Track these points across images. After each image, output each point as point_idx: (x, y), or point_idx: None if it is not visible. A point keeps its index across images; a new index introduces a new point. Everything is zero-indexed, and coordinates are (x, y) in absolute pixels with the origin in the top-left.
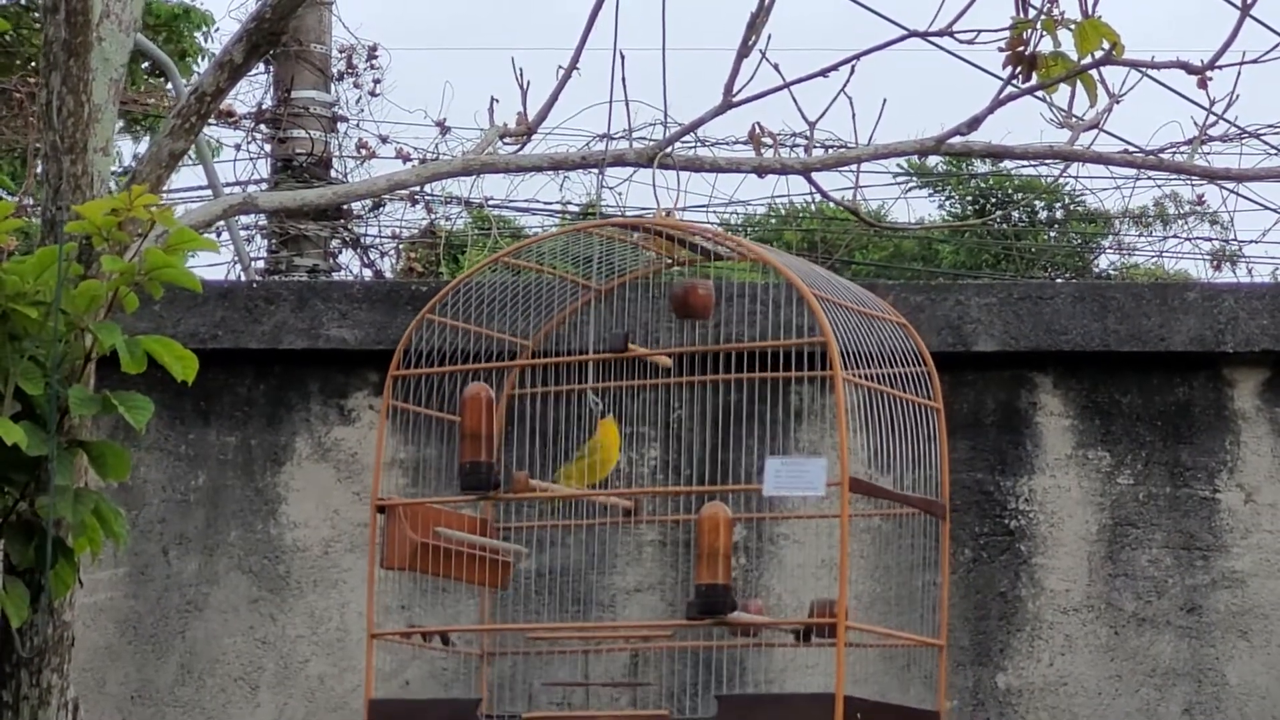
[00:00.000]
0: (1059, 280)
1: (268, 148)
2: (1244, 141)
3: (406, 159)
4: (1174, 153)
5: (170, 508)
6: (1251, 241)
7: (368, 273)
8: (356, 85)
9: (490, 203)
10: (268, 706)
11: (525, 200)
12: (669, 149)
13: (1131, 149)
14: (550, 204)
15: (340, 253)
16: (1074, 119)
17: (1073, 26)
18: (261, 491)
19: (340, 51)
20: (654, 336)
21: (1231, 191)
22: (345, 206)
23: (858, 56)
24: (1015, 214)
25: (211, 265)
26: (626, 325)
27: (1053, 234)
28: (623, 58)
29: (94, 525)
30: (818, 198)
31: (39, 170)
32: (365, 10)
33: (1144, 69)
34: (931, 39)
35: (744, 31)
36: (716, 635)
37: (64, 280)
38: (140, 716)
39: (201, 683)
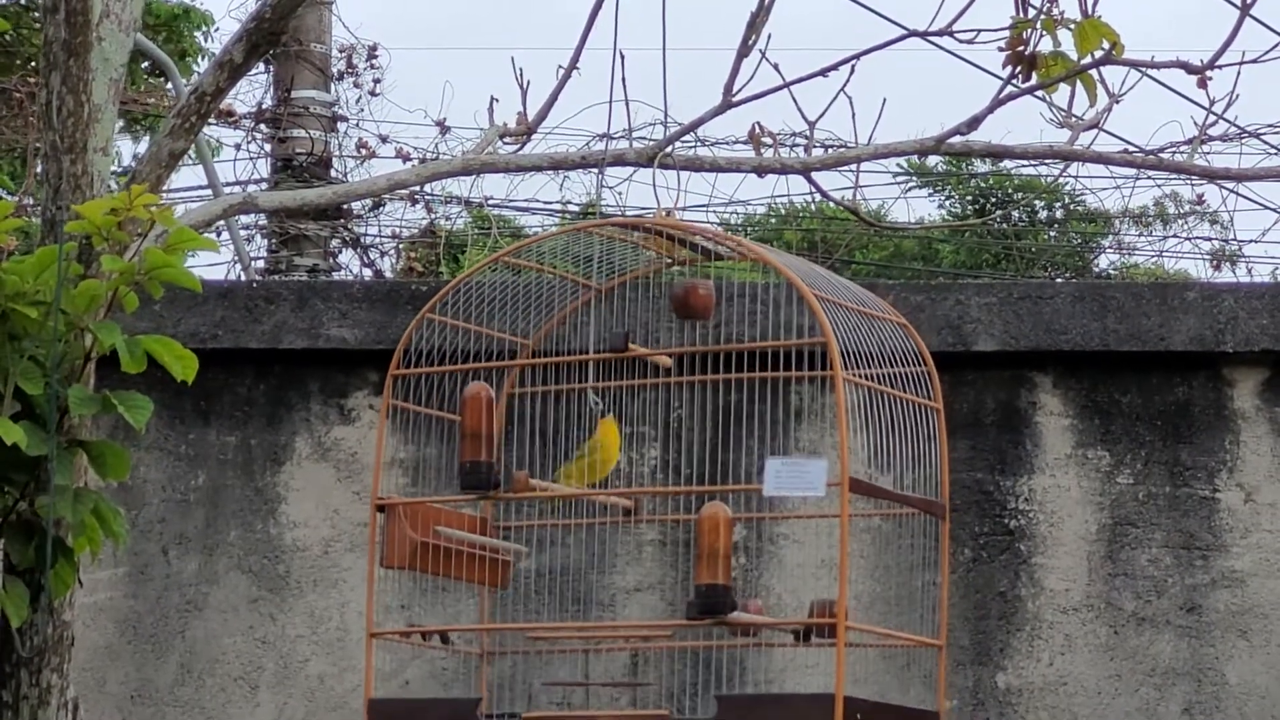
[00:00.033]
0: (1059, 280)
1: (268, 147)
2: (1244, 141)
3: (406, 159)
4: (1174, 152)
5: (170, 507)
6: (1251, 241)
7: (368, 272)
8: (356, 85)
9: (490, 202)
10: (267, 706)
11: (525, 200)
12: (669, 149)
13: (1131, 149)
14: (550, 204)
15: (340, 252)
16: (1074, 119)
17: (1072, 26)
18: (261, 491)
19: (340, 51)
20: (654, 336)
21: (1231, 191)
22: (345, 206)
23: (858, 56)
24: (1015, 214)
25: (211, 265)
26: (627, 325)
27: (1053, 234)
28: (623, 58)
29: (94, 525)
30: (818, 197)
31: (39, 170)
32: (365, 10)
33: (1144, 69)
34: (931, 39)
35: (744, 31)
36: (716, 635)
37: (64, 280)
38: (140, 716)
39: (201, 682)
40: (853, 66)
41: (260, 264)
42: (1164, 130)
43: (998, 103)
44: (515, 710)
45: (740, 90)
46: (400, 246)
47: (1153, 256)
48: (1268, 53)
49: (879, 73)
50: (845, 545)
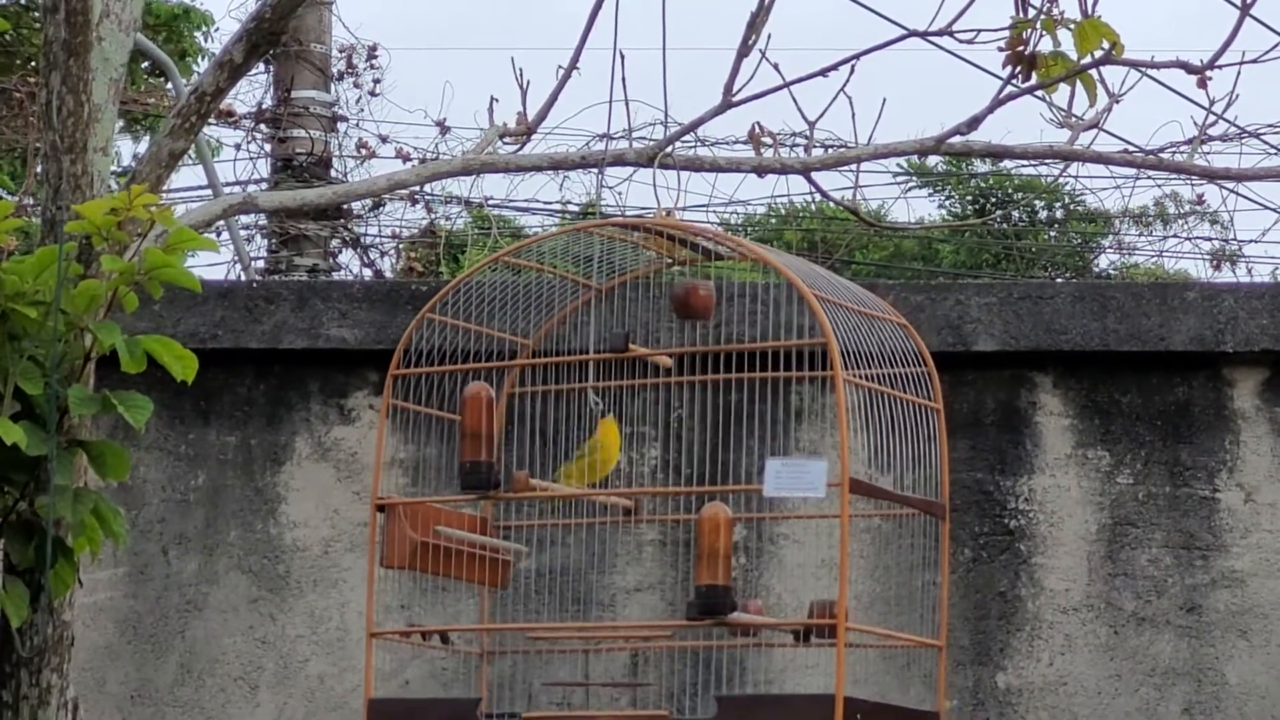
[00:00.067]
0: (1059, 280)
1: (268, 147)
2: (1244, 141)
3: (406, 159)
4: (1174, 152)
5: (170, 507)
6: (1251, 241)
7: (368, 272)
8: (356, 85)
9: (490, 202)
10: (267, 706)
11: (525, 200)
12: (669, 149)
13: (1131, 149)
14: (550, 204)
15: (340, 252)
16: (1074, 119)
17: (1072, 26)
18: (261, 491)
19: (340, 51)
20: (654, 336)
21: (1231, 191)
22: (345, 206)
23: (858, 56)
24: (1015, 214)
25: (211, 265)
26: (627, 325)
27: (1053, 234)
28: (623, 58)
29: (93, 525)
30: (818, 197)
31: (39, 170)
32: (365, 10)
33: (1144, 69)
34: (931, 39)
35: (744, 31)
36: (716, 635)
37: (64, 280)
38: (140, 716)
39: (201, 682)
40: (853, 66)
41: (260, 264)
42: (1164, 130)
43: (998, 103)
44: (515, 710)
45: (740, 90)
46: (400, 246)
47: (1153, 256)
48: (1268, 53)
49: (879, 73)
50: (845, 546)
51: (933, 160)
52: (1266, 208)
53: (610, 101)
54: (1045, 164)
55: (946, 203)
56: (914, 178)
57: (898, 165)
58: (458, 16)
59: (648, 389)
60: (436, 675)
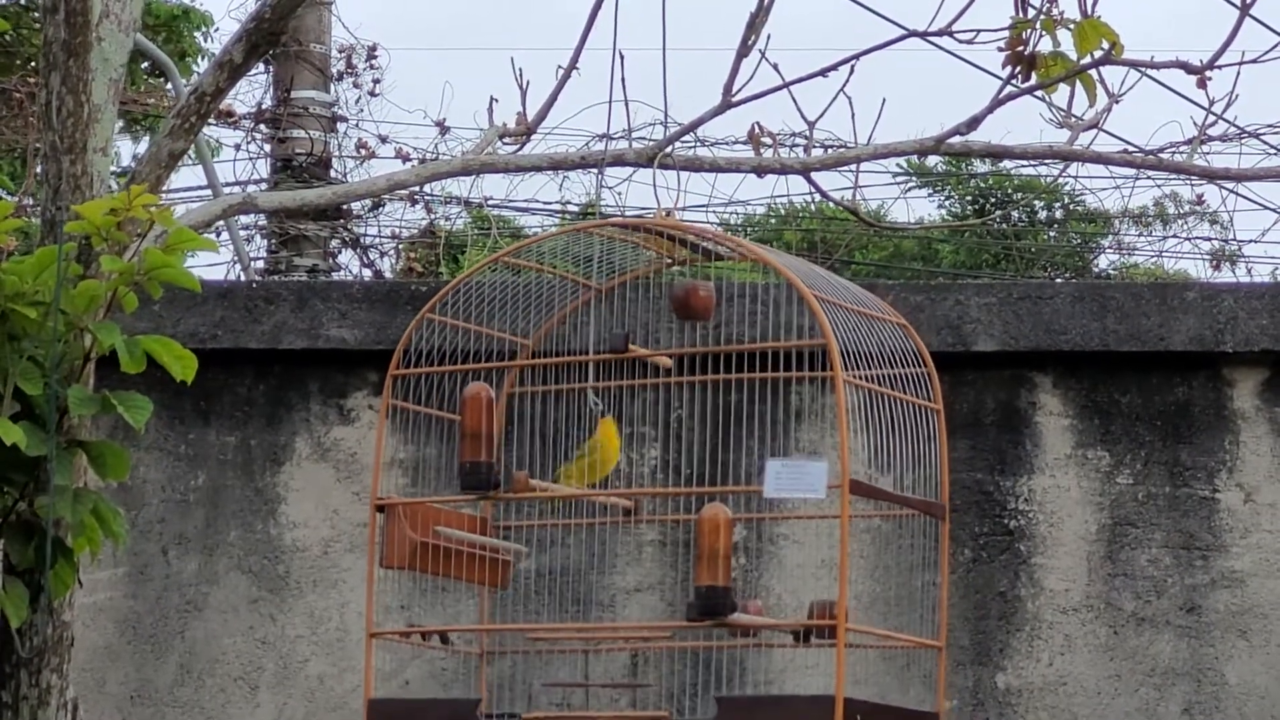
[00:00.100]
0: (1059, 280)
1: (267, 148)
2: (1244, 141)
3: (406, 159)
4: (1174, 153)
5: (170, 508)
6: (1251, 241)
7: (368, 273)
8: (356, 85)
9: (490, 203)
10: (267, 706)
11: (525, 200)
12: (669, 149)
13: (1131, 149)
14: (550, 204)
15: (340, 253)
16: (1073, 119)
17: (1072, 26)
18: (261, 491)
19: (340, 51)
20: (654, 337)
21: (1231, 191)
22: (345, 206)
23: (857, 56)
24: (1015, 214)
25: (211, 265)
26: (627, 325)
27: (1053, 234)
28: (622, 58)
29: (93, 525)
30: (817, 198)
31: (39, 170)
32: (365, 10)
33: (1143, 69)
34: (931, 39)
35: (744, 31)
36: (716, 636)
37: (63, 280)
38: (140, 716)
39: (201, 683)
40: (852, 66)
41: (260, 264)
42: (1164, 130)
43: (997, 103)
44: (515, 711)
45: (740, 90)
46: (400, 247)
47: (1153, 256)
48: (1268, 53)
49: (879, 73)
50: (845, 546)
51: (932, 160)
52: (1266, 208)
53: (610, 101)
54: (1045, 164)
55: (946, 203)
56: (914, 178)
57: (897, 165)
58: (458, 16)
59: (648, 389)
60: (436, 675)
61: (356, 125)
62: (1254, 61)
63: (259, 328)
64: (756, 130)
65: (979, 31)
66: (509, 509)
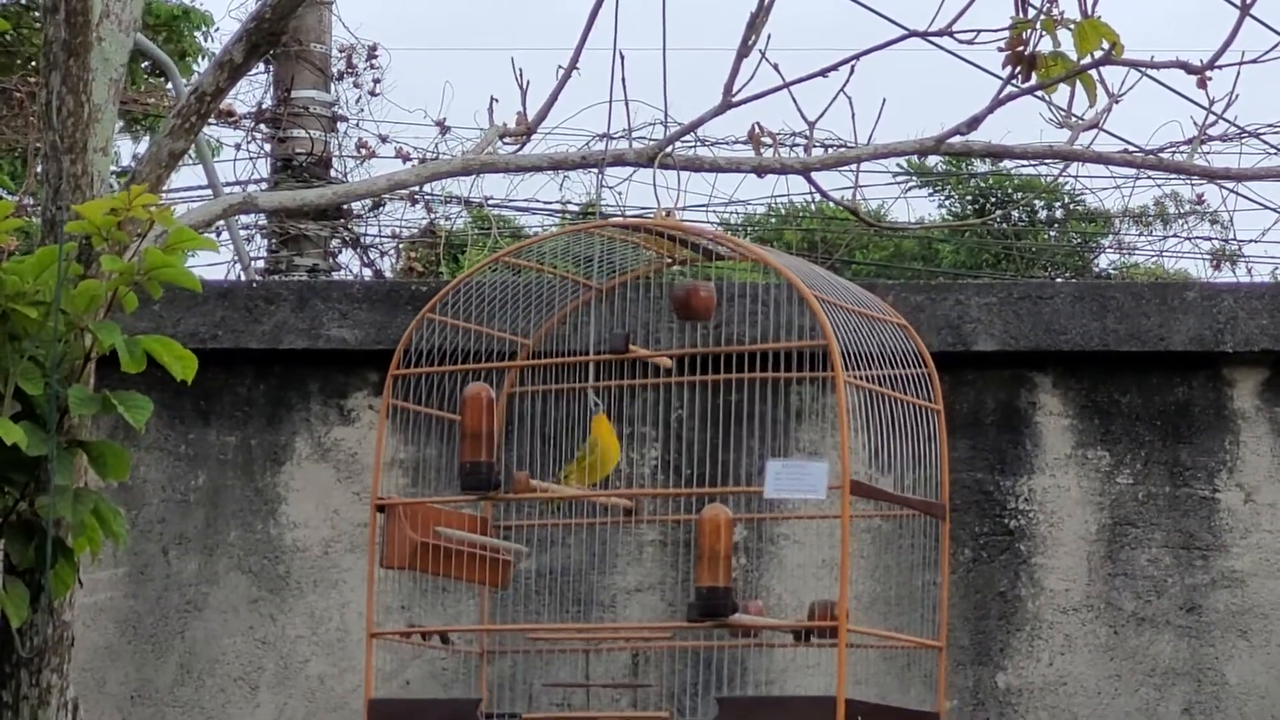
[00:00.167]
0: (1059, 280)
1: (268, 147)
2: (1244, 141)
3: (406, 159)
4: (1174, 152)
5: (170, 508)
6: (1251, 241)
7: (368, 272)
8: (356, 85)
9: (490, 202)
10: (267, 706)
11: (525, 200)
12: (669, 149)
13: (1131, 149)
14: (550, 204)
15: (340, 252)
16: (1074, 119)
17: (1072, 26)
18: (261, 491)
19: (340, 51)
20: (654, 337)
21: (1231, 191)
22: (345, 206)
23: (858, 56)
24: (1015, 214)
25: (211, 265)
26: (627, 325)
27: (1053, 234)
28: (622, 58)
29: (93, 525)
30: (818, 198)
31: (39, 170)
32: (365, 10)
33: (1144, 69)
34: (931, 39)
35: (744, 31)
36: (717, 636)
37: (64, 280)
38: (140, 716)
39: (201, 683)
40: (852, 66)
41: (260, 264)
42: (1164, 130)
43: (998, 103)
44: (515, 711)
45: (740, 90)
46: (400, 246)
47: (1153, 256)
48: (1268, 53)
49: (879, 73)
50: (846, 546)
51: (933, 160)
52: (1266, 208)
53: (610, 101)
54: (1045, 164)
55: (946, 203)
56: (914, 178)
57: (898, 165)
58: (458, 16)
59: (648, 389)
60: (437, 675)
61: (357, 125)
62: (1254, 61)
63: (259, 328)
64: (757, 130)
65: (979, 31)
66: (509, 509)
